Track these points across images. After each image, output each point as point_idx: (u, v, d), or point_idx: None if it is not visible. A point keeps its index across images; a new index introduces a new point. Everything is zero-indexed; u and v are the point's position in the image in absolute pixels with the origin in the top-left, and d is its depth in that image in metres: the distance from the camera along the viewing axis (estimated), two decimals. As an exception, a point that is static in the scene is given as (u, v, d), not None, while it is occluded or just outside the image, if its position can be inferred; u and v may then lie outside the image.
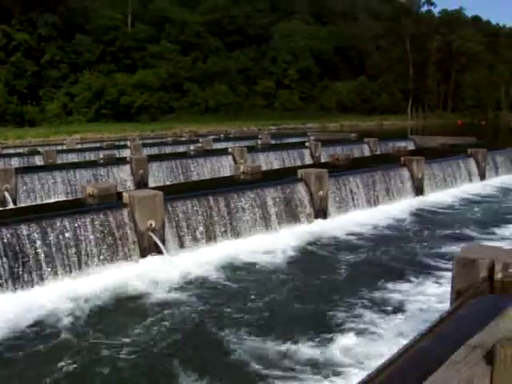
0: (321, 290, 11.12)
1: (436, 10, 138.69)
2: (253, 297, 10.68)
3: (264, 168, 26.00)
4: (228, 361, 8.25)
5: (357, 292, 10.86)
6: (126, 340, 8.96)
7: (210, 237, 14.35)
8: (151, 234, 13.12)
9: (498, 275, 5.01)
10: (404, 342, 8.27)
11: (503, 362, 1.82)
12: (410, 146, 36.80)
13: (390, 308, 10.01)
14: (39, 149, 34.49)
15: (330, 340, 8.67)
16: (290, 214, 16.32)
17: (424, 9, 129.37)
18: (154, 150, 35.13)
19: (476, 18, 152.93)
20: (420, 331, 5.24)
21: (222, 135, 49.88)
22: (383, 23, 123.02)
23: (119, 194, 14.55)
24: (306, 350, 8.39)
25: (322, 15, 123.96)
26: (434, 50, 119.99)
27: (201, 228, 14.22)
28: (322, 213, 17.12)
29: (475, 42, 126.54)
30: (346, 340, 8.62)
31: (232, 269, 12.59)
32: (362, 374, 7.38)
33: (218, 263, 12.84)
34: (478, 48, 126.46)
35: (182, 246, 13.82)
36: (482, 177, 26.37)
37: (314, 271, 12.39)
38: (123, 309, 10.47)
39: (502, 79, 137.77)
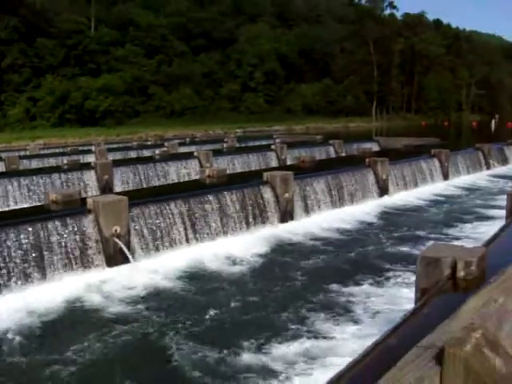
0: (279, 298, 11.03)
1: (398, 14, 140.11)
2: (211, 307, 10.49)
3: (230, 171, 26.00)
4: (174, 374, 8.17)
5: (315, 299, 10.81)
6: (73, 357, 8.67)
7: (176, 242, 14.27)
8: (116, 240, 12.99)
9: (461, 273, 5.10)
10: (355, 346, 8.40)
11: (452, 362, 1.83)
12: (375, 148, 37.25)
13: (344, 313, 9.98)
14: (1, 155, 33.86)
15: (276, 348, 8.65)
16: (256, 218, 16.34)
17: (387, 12, 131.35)
18: (120, 155, 34.80)
19: (437, 22, 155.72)
20: (386, 330, 5.31)
21: (187, 139, 49.66)
22: (347, 26, 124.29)
23: (83, 200, 14.36)
24: (249, 357, 8.36)
25: (287, 18, 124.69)
26: (397, 52, 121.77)
27: (166, 233, 14.13)
28: (288, 215, 17.19)
29: (437, 45, 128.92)
30: (294, 347, 8.61)
31: (195, 278, 12.42)
32: (300, 381, 7.48)
33: (182, 271, 12.69)
34: (440, 51, 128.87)
35: (147, 251, 13.70)
36: (446, 177, 26.82)
37: (275, 278, 12.28)
38: (78, 323, 10.16)
39: (464, 81, 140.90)
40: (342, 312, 10.03)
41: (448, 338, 1.83)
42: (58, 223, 12.41)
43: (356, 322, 9.56)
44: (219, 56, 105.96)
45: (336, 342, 8.72)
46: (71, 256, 12.32)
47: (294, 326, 9.47)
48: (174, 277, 12.32)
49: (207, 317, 10.09)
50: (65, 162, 27.02)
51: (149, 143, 46.65)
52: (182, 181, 24.82)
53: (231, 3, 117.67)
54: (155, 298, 11.20)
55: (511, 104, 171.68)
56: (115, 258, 12.94)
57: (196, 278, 12.43)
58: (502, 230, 9.31)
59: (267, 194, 16.91)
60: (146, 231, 13.81)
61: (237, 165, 29.40)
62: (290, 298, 10.90)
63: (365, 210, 19.35)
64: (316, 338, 8.95)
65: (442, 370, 1.89)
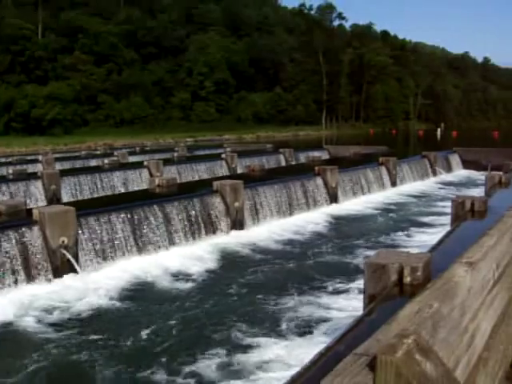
0: (215, 313, 10.74)
1: (347, 25, 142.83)
2: (147, 327, 10.14)
3: (180, 180, 25.87)
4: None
5: (250, 314, 10.62)
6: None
7: (123, 253, 14.03)
8: (64, 252, 12.75)
9: (407, 279, 5.21)
10: (274, 359, 8.32)
11: (383, 369, 1.86)
12: (325, 156, 37.71)
13: (273, 327, 9.85)
14: None
15: (196, 365, 8.59)
16: (206, 227, 16.28)
17: (336, 23, 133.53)
18: (68, 165, 34.13)
19: (385, 33, 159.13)
20: (336, 336, 5.36)
21: (137, 148, 49.21)
22: (297, 36, 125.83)
23: (29, 211, 14.05)
24: (167, 377, 8.30)
25: (238, 28, 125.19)
26: (346, 62, 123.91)
27: (114, 244, 13.92)
28: (238, 224, 17.22)
29: (384, 56, 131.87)
30: (214, 363, 8.58)
31: (137, 293, 12.01)
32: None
33: (125, 286, 12.29)
34: (387, 61, 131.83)
35: (95, 263, 13.47)
36: (393, 184, 27.37)
37: (217, 293, 12.00)
38: (10, 346, 9.70)
39: (410, 91, 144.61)
40: (272, 326, 9.90)
41: (380, 345, 1.87)
42: (0, 235, 12.09)
43: (282, 335, 9.50)
44: (170, 64, 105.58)
45: (256, 357, 8.69)
46: (16, 268, 12.01)
47: (220, 342, 9.37)
48: (117, 292, 11.93)
49: (141, 337, 9.81)
50: (10, 171, 26.35)
51: (98, 153, 45.90)
52: (131, 190, 24.50)
53: (182, 12, 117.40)
54: (94, 317, 10.84)
55: (456, 113, 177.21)
56: (62, 269, 12.69)
57: (138, 293, 12.07)
58: (446, 235, 9.55)
59: (217, 203, 16.90)
60: (94, 242, 13.60)
61: (187, 174, 29.28)
62: (226, 314, 10.68)
63: (314, 218, 19.53)
64: (239, 352, 8.88)
65: (374, 377, 1.92)
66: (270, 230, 17.47)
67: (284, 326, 9.92)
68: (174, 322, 10.43)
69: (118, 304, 11.44)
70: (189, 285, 12.60)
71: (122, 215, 14.35)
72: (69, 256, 12.74)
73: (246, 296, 11.78)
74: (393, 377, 1.82)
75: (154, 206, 15.23)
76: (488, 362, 4.28)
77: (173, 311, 10.97)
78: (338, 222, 19.45)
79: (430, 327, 2.40)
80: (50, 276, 12.55)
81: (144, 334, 9.92)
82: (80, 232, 13.37)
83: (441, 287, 2.76)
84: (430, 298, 2.57)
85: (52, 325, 10.38)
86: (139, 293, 12.15)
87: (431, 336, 2.43)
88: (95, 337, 9.93)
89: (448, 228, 11.20)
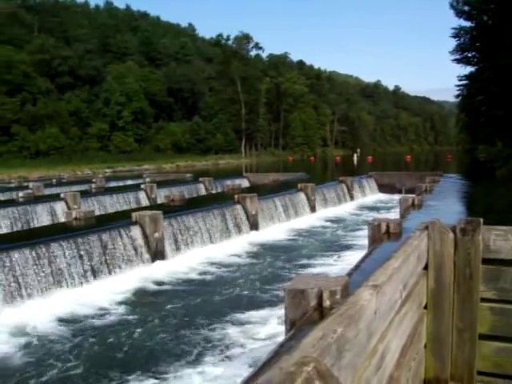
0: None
1: (264, 54, 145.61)
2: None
3: (99, 212, 25.33)
4: None
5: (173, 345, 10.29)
6: None
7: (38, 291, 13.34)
8: None
9: (327, 303, 5.27)
10: None
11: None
12: (245, 184, 38.03)
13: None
14: None
15: None
16: (126, 259, 15.92)
17: (253, 53, 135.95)
18: (-22, 199, 32.63)
19: (300, 62, 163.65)
20: (258, 365, 5.35)
21: (54, 180, 47.82)
22: (215, 66, 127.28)
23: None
24: None
25: (155, 57, 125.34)
26: (263, 91, 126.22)
27: (25, 284, 13.20)
28: (159, 255, 16.97)
29: (300, 84, 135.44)
30: None
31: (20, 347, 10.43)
32: None
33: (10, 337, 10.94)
34: (303, 89, 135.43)
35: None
36: (313, 209, 27.87)
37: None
38: None
39: (327, 118, 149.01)
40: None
41: (280, 374, 1.88)
42: None
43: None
44: (86, 94, 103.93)
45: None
46: None
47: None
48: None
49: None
50: None
51: (12, 185, 44.24)
52: (47, 224, 23.63)
53: (98, 41, 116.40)
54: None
55: (371, 139, 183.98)
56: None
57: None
58: (364, 258, 9.73)
59: (136, 234, 16.61)
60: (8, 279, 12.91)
61: (106, 206, 28.66)
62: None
63: (235, 245, 19.55)
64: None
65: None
66: (190, 259, 17.30)
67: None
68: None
69: None
70: (92, 335, 11.17)
71: (29, 251, 13.55)
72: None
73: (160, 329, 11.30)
74: (292, 405, 1.82)
75: (69, 240, 14.59)
76: (400, 380, 4.41)
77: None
78: (259, 249, 19.54)
79: (334, 352, 2.44)
80: None
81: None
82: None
83: (345, 312, 2.82)
84: (334, 323, 2.62)
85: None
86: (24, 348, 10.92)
87: (336, 361, 2.47)
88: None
89: (365, 250, 11.47)
